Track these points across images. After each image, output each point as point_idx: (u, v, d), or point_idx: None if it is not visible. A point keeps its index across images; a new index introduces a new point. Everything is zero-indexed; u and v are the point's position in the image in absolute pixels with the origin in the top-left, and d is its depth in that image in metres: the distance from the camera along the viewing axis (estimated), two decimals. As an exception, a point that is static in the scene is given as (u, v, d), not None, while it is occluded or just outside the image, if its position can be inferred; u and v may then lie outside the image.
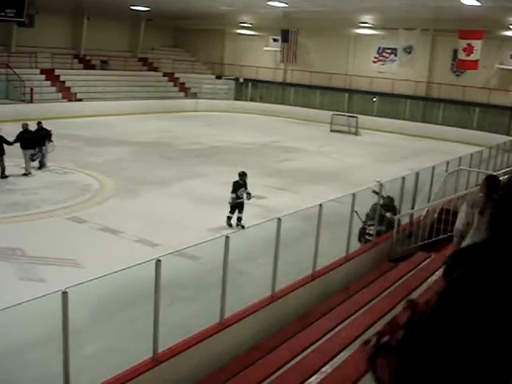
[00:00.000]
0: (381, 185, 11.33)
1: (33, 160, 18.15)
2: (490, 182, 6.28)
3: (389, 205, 12.14)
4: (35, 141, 18.32)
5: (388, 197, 12.21)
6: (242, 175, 14.41)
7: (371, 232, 11.66)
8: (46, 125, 19.76)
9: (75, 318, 5.92)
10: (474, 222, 5.90)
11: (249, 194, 14.21)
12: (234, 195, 14.06)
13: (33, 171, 18.21)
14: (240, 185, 14.21)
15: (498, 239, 1.98)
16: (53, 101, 32.29)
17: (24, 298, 5.11)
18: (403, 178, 11.90)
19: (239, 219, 14.02)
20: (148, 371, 6.28)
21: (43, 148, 18.75)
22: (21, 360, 7.37)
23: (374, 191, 11.57)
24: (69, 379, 5.58)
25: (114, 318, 8.98)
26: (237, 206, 14.07)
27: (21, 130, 18.34)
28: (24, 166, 18.03)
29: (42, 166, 18.85)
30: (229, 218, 14.01)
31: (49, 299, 5.29)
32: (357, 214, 11.76)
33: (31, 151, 18.11)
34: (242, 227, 13.68)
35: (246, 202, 14.18)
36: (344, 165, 23.66)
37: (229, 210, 14.08)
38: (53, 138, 19.50)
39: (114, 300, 9.27)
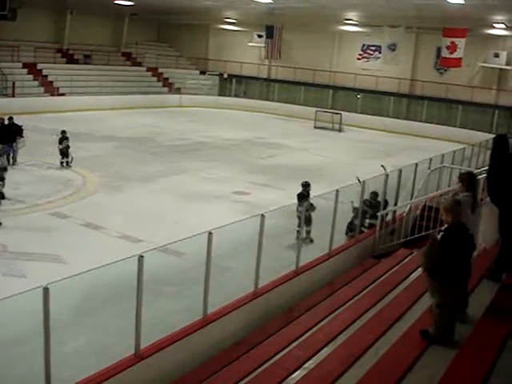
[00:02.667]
0: (363, 182, 11.42)
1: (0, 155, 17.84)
2: (470, 178, 6.34)
3: (372, 201, 12.25)
4: (8, 136, 18.07)
5: (373, 193, 12.29)
6: (306, 186, 13.37)
7: (366, 224, 12.09)
8: (27, 119, 19.54)
9: (57, 313, 5.88)
10: (468, 221, 5.93)
11: (312, 205, 12.71)
12: (301, 208, 12.56)
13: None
14: (305, 196, 13.12)
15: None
16: (35, 95, 31.98)
17: (6, 293, 5.07)
18: (387, 175, 11.94)
19: (308, 232, 12.83)
20: (130, 367, 6.26)
21: (14, 144, 18.44)
22: (3, 356, 7.30)
23: (358, 180, 11.71)
24: (50, 375, 5.54)
25: (96, 314, 8.93)
26: (306, 219, 12.47)
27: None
28: None
29: (13, 161, 18.47)
30: (298, 232, 11.99)
31: (31, 295, 5.25)
32: (352, 204, 12.03)
33: (0, 146, 17.83)
34: (311, 241, 12.70)
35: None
36: (328, 161, 23.71)
37: (297, 223, 12.65)
38: (26, 133, 19.23)
39: (97, 296, 9.22)
